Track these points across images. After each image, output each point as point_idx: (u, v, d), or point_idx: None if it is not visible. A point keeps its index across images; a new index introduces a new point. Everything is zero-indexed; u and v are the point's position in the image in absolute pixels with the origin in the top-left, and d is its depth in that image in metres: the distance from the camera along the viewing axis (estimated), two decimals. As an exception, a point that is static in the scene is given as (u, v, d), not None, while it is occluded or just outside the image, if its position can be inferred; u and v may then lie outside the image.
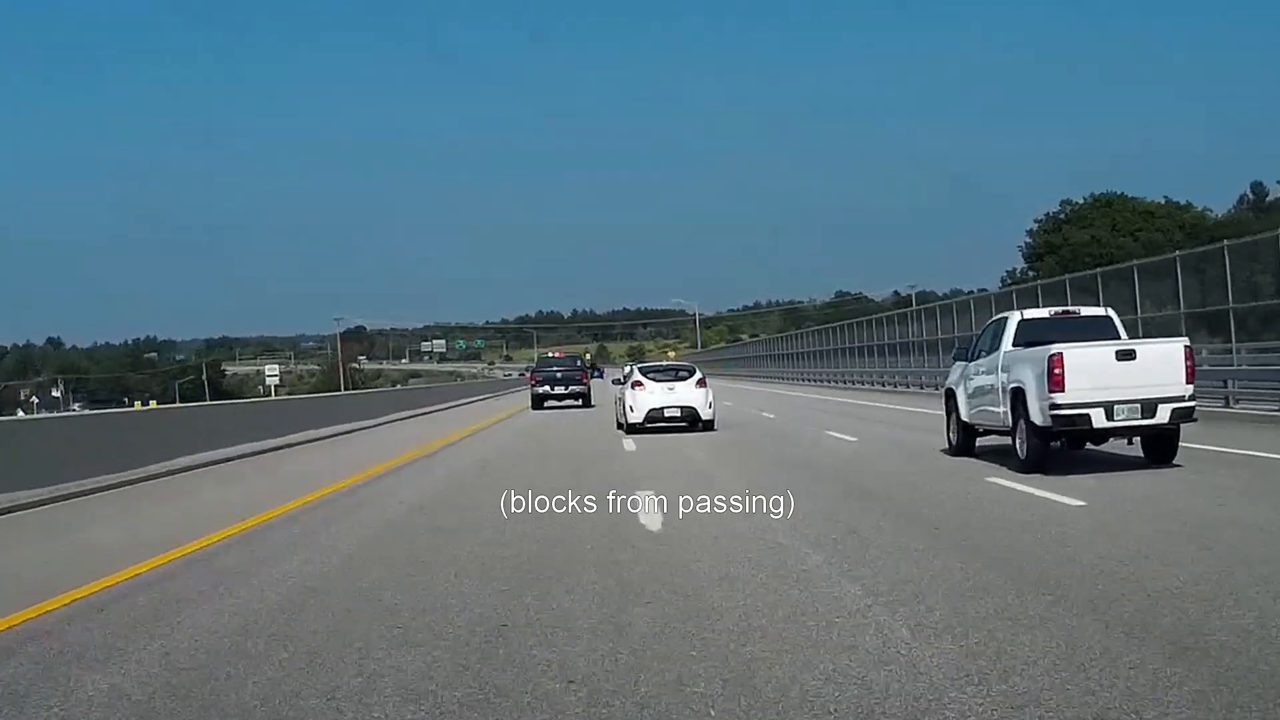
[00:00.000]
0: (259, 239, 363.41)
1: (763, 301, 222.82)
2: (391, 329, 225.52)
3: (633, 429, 24.25)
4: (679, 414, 24.22)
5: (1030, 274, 76.72)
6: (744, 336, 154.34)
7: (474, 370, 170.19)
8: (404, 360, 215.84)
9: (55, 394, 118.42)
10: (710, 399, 24.79)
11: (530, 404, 41.91)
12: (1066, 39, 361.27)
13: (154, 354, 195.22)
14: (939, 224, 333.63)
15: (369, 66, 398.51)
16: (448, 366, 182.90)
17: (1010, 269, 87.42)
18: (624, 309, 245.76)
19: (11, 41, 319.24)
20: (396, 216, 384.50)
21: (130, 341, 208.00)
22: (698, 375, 25.55)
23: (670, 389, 24.59)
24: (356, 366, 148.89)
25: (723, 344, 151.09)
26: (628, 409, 24.64)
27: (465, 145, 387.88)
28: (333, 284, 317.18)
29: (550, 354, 50.48)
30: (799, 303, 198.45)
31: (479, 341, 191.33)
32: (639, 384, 24.90)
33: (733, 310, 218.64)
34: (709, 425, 24.29)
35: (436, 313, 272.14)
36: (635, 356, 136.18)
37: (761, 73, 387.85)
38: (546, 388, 41.66)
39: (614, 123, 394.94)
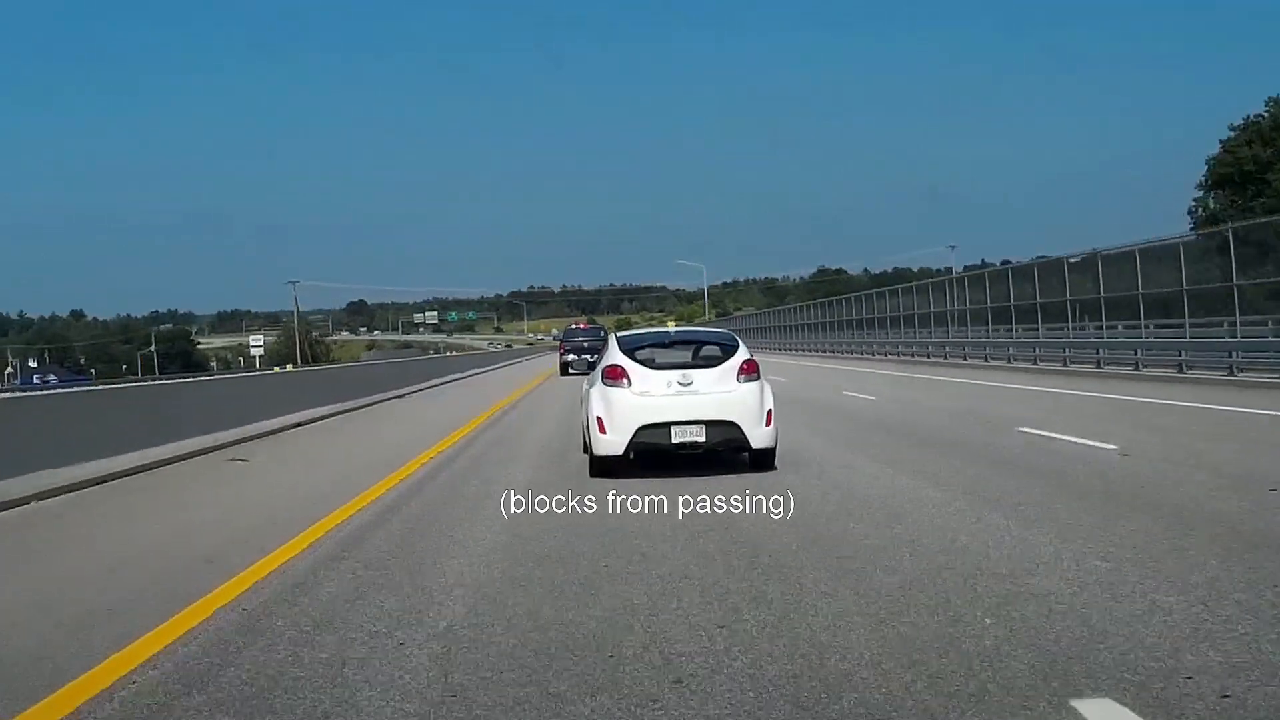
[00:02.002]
0: (285, 225, 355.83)
1: (740, 279, 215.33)
2: (392, 303, 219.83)
3: (604, 466, 10.45)
4: (701, 436, 10.32)
5: (1213, 207, 49.88)
6: (731, 311, 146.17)
7: (461, 342, 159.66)
8: (368, 332, 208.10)
9: (32, 364, 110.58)
10: (768, 404, 10.57)
11: (558, 370, 42.66)
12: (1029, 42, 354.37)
13: (169, 325, 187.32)
14: (903, 210, 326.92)
15: (403, 82, 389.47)
16: (438, 338, 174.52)
17: (1195, 201, 55.01)
18: (610, 284, 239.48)
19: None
20: (411, 207, 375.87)
21: (151, 314, 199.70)
22: (740, 354, 10.87)
23: (684, 383, 10.47)
24: (320, 338, 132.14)
25: (712, 315, 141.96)
26: (593, 423, 10.57)
27: (475, 147, 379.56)
28: (348, 263, 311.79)
29: (575, 325, 50.81)
30: (774, 279, 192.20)
31: (471, 314, 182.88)
32: (618, 373, 10.66)
33: (712, 286, 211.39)
34: (764, 459, 10.56)
35: (437, 289, 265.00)
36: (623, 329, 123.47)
37: (749, 75, 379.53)
38: (573, 356, 42.71)
39: (609, 121, 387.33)
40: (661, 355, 10.98)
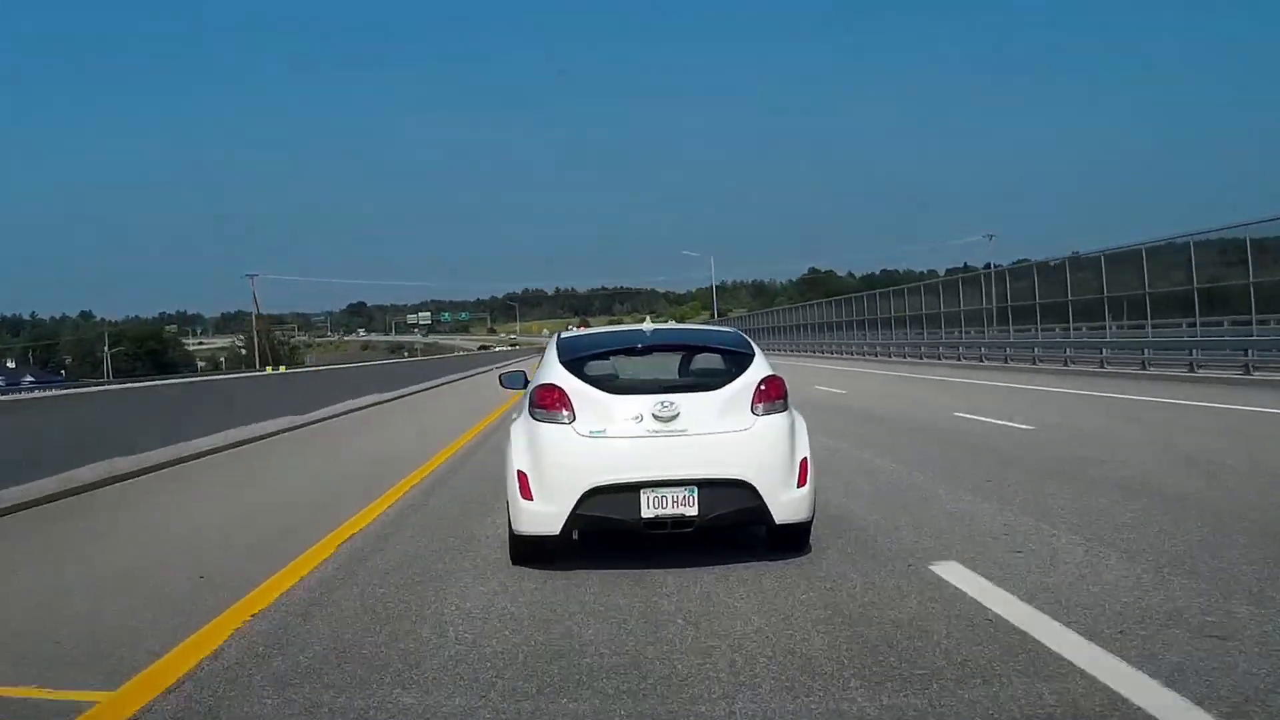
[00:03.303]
0: (289, 227, 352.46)
1: (729, 280, 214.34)
2: (391, 304, 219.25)
3: (529, 549, 6.40)
4: (691, 506, 6.05)
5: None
6: (727, 312, 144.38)
7: (452, 343, 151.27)
8: (366, 333, 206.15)
9: (10, 365, 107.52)
10: (802, 450, 6.35)
11: None
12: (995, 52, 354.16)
13: (174, 326, 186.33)
14: (884, 213, 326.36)
15: (401, 88, 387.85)
16: (430, 339, 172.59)
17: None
18: (602, 287, 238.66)
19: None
20: (410, 210, 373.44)
21: (159, 315, 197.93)
22: (757, 367, 6.53)
23: (663, 416, 6.15)
24: (284, 339, 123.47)
25: (705, 317, 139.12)
26: (512, 479, 6.30)
27: (476, 153, 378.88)
28: (349, 265, 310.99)
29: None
30: (762, 280, 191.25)
31: (463, 315, 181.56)
32: (554, 399, 6.34)
33: (702, 288, 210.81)
34: (792, 539, 6.42)
35: (437, 292, 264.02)
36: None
37: (740, 81, 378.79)
38: None
39: (605, 130, 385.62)
40: (629, 369, 6.83)
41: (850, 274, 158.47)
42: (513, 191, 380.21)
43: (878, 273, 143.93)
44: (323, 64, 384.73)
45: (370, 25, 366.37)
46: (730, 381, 6.40)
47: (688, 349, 7.06)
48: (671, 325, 9.51)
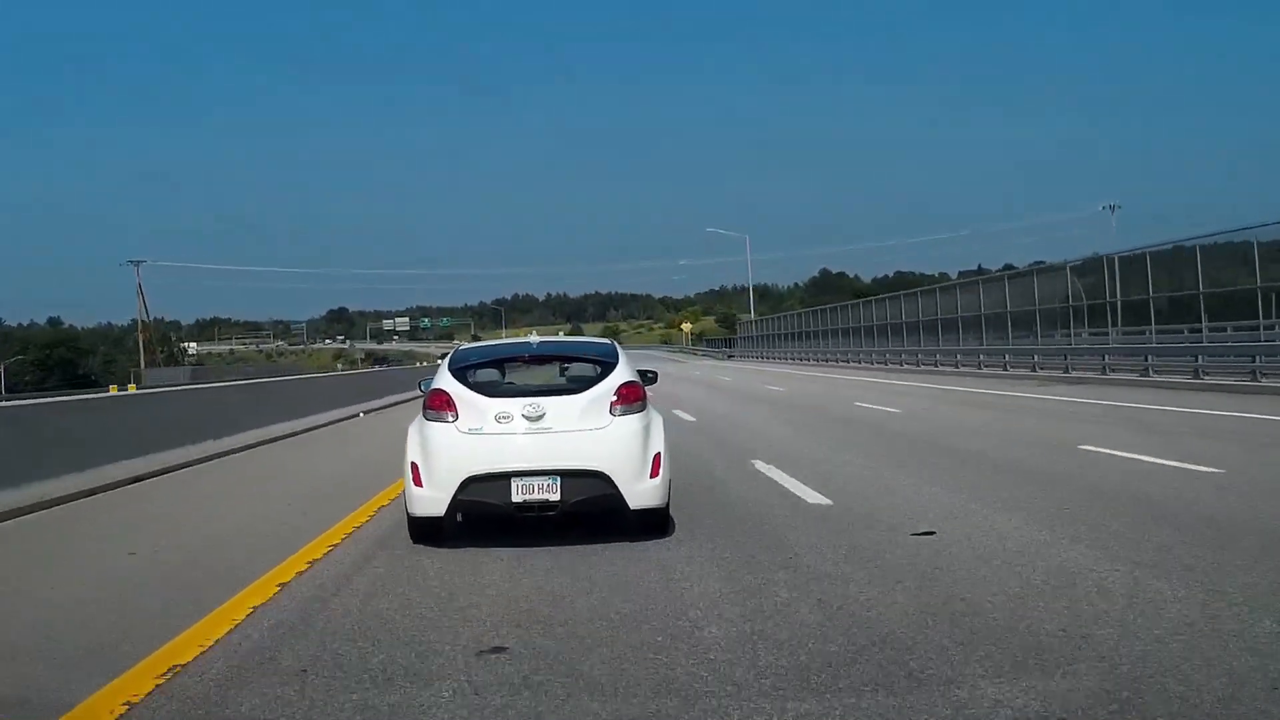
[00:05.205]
0: (268, 232, 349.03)
1: (729, 286, 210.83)
2: (375, 310, 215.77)
3: (423, 530, 7.62)
4: (555, 493, 7.27)
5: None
6: (738, 316, 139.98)
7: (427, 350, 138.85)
8: (345, 340, 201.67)
9: None
10: (655, 446, 7.54)
11: None
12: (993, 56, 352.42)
13: (147, 333, 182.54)
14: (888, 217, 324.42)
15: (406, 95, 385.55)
16: (406, 347, 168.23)
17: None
18: (596, 291, 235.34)
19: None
20: (399, 212, 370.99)
21: (131, 321, 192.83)
22: (619, 373, 7.83)
23: (532, 416, 7.41)
24: (181, 345, 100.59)
25: (710, 323, 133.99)
26: (408, 470, 7.59)
27: (464, 157, 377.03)
28: (332, 273, 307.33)
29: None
30: (764, 284, 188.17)
31: (444, 321, 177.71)
32: (441, 402, 7.64)
33: (700, 293, 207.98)
34: (651, 523, 7.55)
35: (427, 298, 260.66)
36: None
37: (739, 83, 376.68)
38: None
39: (600, 130, 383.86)
40: (519, 377, 8.21)
41: (857, 276, 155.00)
42: (505, 196, 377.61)
43: (890, 275, 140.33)
44: (317, 64, 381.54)
45: (369, 23, 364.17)
46: (592, 386, 7.76)
47: (565, 359, 8.41)
48: (555, 339, 10.65)
